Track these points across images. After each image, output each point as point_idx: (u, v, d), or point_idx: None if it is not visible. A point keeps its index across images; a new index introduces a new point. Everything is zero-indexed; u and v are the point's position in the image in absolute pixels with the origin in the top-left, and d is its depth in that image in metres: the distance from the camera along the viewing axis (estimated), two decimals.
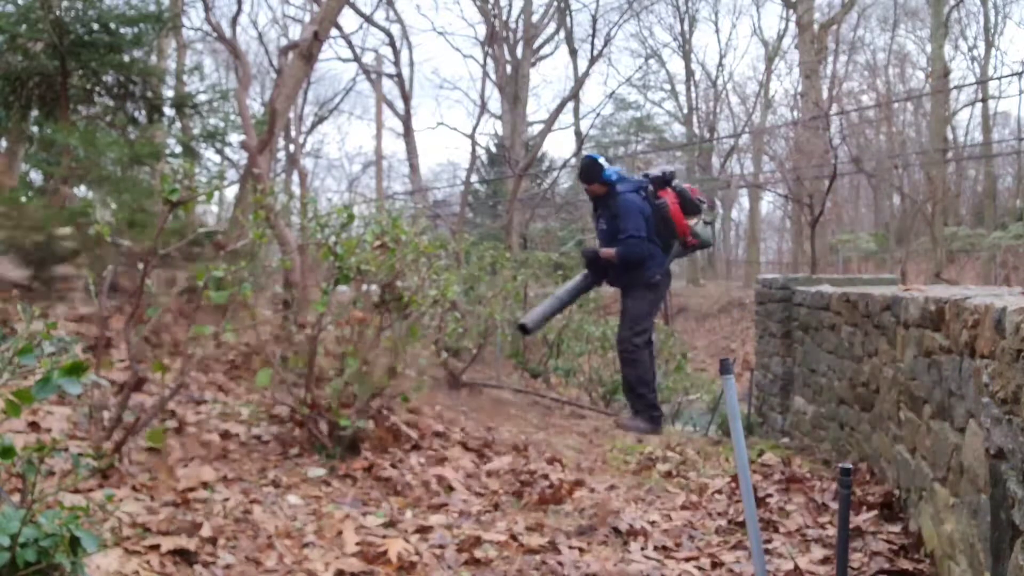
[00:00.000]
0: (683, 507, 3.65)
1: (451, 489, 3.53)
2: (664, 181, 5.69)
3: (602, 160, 5.61)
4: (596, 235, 5.82)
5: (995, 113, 28.08)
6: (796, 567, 2.84)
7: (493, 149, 28.50)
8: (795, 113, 26.11)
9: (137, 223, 6.41)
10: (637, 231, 5.48)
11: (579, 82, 25.44)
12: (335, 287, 3.81)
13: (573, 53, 27.96)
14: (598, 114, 33.73)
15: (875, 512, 3.37)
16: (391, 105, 27.84)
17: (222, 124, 8.90)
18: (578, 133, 28.09)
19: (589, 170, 5.55)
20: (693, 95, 32.19)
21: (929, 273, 21.15)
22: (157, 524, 2.61)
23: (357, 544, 2.76)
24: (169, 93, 9.23)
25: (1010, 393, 1.99)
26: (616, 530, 3.20)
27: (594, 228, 5.86)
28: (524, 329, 5.72)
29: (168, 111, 9.02)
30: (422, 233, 4.24)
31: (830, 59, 27.42)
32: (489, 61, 26.87)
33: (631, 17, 27.49)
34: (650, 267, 5.52)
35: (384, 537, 2.86)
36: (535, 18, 26.30)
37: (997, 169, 28.22)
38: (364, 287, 4.05)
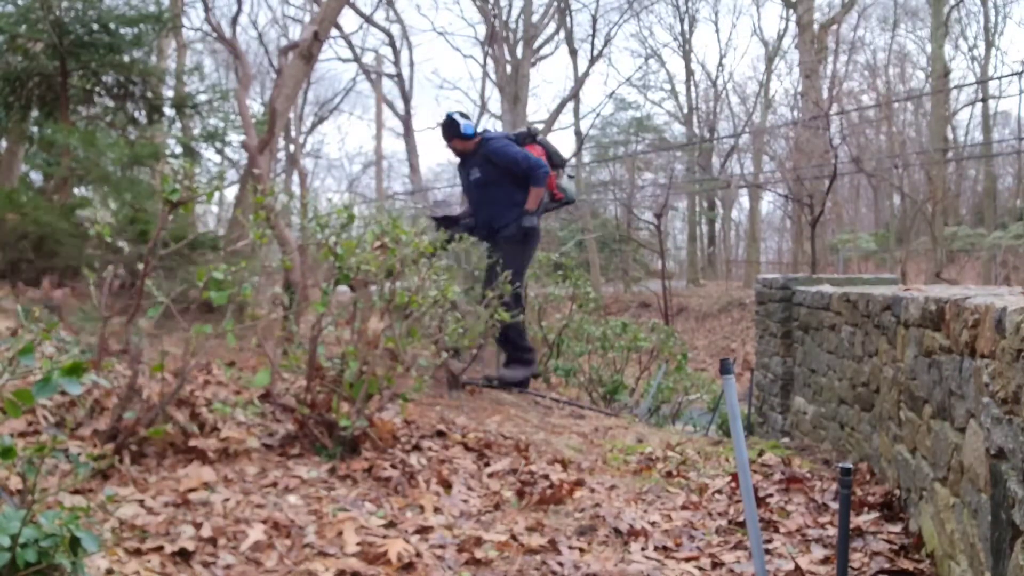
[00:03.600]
0: (683, 507, 3.65)
1: (451, 489, 3.53)
2: (530, 136, 5.89)
3: (458, 116, 5.75)
4: (469, 187, 5.85)
5: (995, 113, 28.11)
6: (796, 567, 2.84)
7: None
8: (795, 113, 26.10)
9: (137, 222, 6.42)
10: (538, 160, 5.66)
11: (579, 82, 25.47)
12: (335, 287, 3.81)
13: (573, 53, 27.96)
14: (598, 114, 33.78)
15: (875, 512, 3.37)
16: (391, 105, 27.87)
17: (222, 124, 8.91)
18: (578, 133, 28.12)
19: (447, 128, 5.73)
20: (693, 95, 32.20)
21: (929, 273, 21.15)
22: (157, 524, 2.62)
23: (357, 544, 2.76)
24: (169, 93, 9.24)
25: (1010, 393, 1.99)
26: (616, 530, 3.20)
27: (465, 181, 5.91)
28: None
29: (168, 111, 9.03)
30: (422, 233, 4.24)
31: (830, 59, 27.42)
32: (489, 61, 26.89)
33: (631, 17, 27.55)
34: (523, 217, 5.63)
35: (384, 537, 2.86)
36: (535, 18, 26.30)
37: (997, 169, 28.23)
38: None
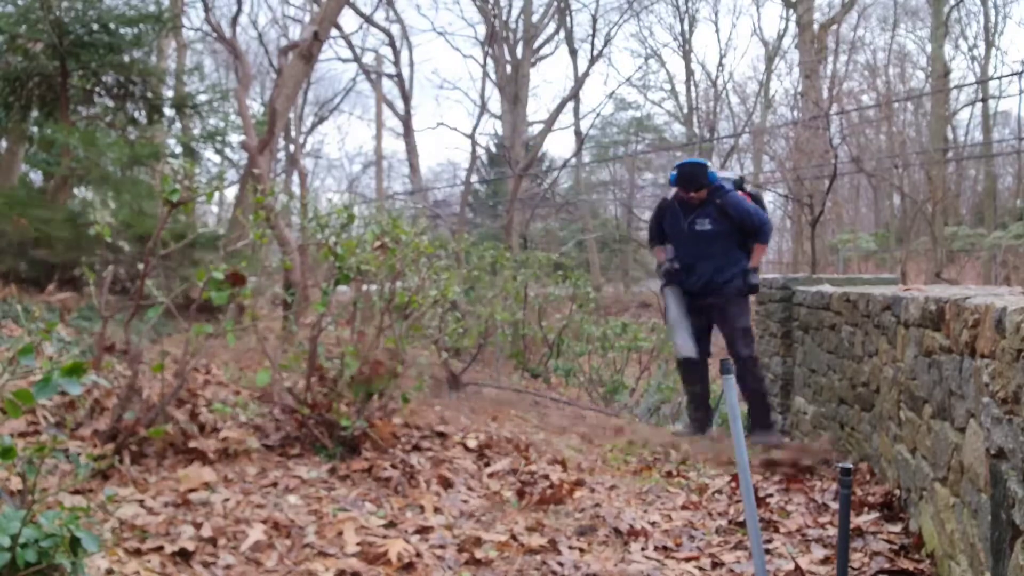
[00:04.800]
0: (683, 507, 3.65)
1: (451, 489, 3.53)
2: (739, 185, 5.59)
3: (708, 162, 5.49)
4: (689, 237, 5.39)
5: (995, 113, 28.06)
6: (796, 567, 2.84)
7: (493, 149, 28.52)
8: (795, 113, 26.10)
9: (137, 224, 6.42)
10: (767, 216, 5.45)
11: (579, 82, 25.48)
12: (335, 287, 3.81)
13: (573, 53, 27.96)
14: (598, 114, 33.76)
15: (875, 512, 3.37)
16: (391, 105, 27.86)
17: (222, 124, 8.92)
18: (578, 133, 28.11)
19: (697, 175, 5.32)
20: (693, 95, 32.16)
21: (929, 273, 21.14)
22: (157, 524, 2.62)
23: (357, 544, 2.77)
24: (169, 93, 9.25)
25: (1010, 393, 1.99)
26: (616, 530, 3.20)
27: (682, 230, 5.42)
28: (689, 361, 5.48)
29: (168, 111, 9.04)
30: (422, 233, 4.24)
31: (830, 59, 27.42)
32: (489, 61, 26.89)
33: (631, 17, 27.52)
34: (751, 274, 5.34)
35: (384, 537, 2.87)
36: (535, 18, 26.31)
37: (997, 169, 28.22)
38: (364, 287, 4.06)
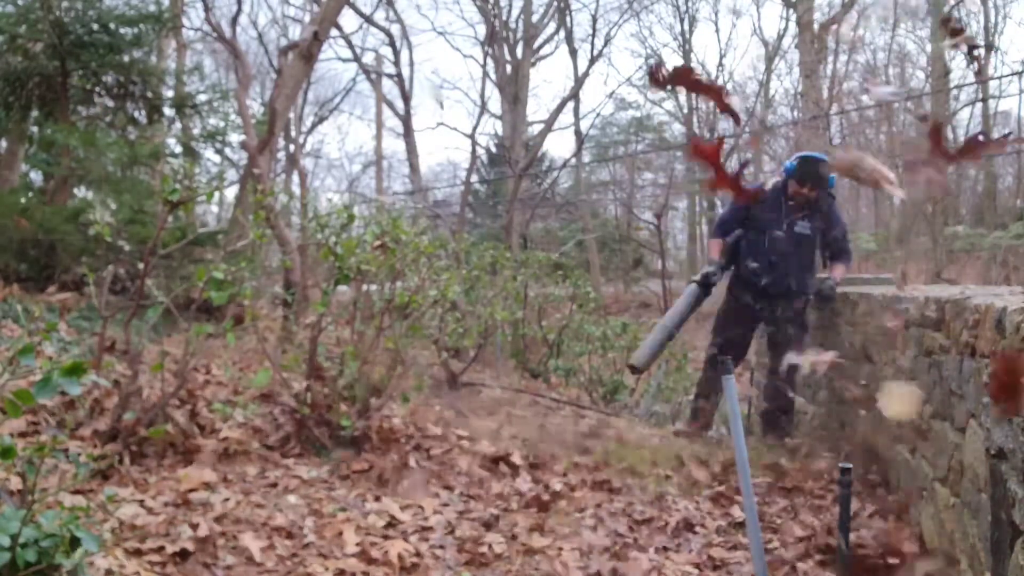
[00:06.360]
0: (683, 507, 3.64)
1: (451, 489, 3.53)
2: None
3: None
4: (785, 237, 5.00)
5: (995, 113, 28.06)
6: (795, 567, 2.84)
7: (493, 149, 28.51)
8: (795, 113, 26.10)
9: (136, 223, 6.42)
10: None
11: (579, 82, 25.46)
12: (335, 287, 3.81)
13: (573, 53, 27.92)
14: (598, 114, 33.75)
15: (875, 512, 3.37)
16: (391, 105, 27.82)
17: (222, 124, 8.91)
18: (578, 133, 28.07)
19: (824, 175, 4.90)
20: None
21: (929, 273, 21.12)
22: (157, 525, 2.62)
23: (357, 544, 2.76)
24: (169, 93, 9.24)
25: None
26: (616, 531, 3.20)
27: (780, 227, 5.01)
28: (634, 369, 5.28)
29: (168, 111, 9.03)
30: (422, 233, 4.24)
31: (830, 59, 27.41)
32: (489, 61, 26.87)
33: (631, 17, 27.50)
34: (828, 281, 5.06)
35: (384, 537, 2.86)
36: (535, 18, 26.29)
37: (997, 169, 28.20)
38: (364, 287, 4.06)
